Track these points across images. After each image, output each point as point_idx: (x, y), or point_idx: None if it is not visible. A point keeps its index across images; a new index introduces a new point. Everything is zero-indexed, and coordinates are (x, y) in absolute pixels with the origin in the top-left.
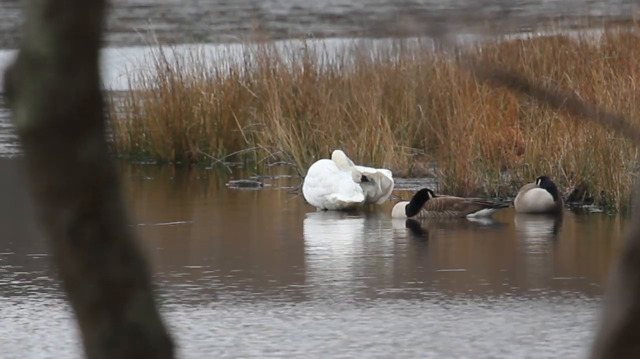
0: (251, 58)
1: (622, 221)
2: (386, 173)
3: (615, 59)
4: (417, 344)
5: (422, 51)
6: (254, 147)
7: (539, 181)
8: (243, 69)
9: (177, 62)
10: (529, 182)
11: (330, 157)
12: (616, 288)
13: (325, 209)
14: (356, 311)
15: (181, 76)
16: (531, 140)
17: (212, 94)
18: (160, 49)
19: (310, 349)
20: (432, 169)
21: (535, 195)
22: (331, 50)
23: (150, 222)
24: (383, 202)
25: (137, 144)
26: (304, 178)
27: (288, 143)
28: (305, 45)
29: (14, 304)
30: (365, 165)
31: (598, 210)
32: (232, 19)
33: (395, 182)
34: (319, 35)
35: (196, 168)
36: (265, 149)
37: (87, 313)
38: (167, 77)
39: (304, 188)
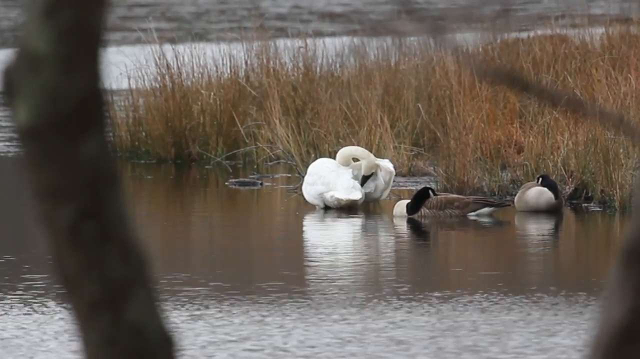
0: (251, 57)
1: (622, 220)
2: (386, 164)
3: (616, 57)
4: (418, 344)
5: (421, 50)
6: (254, 146)
7: (540, 179)
8: (243, 68)
9: (177, 61)
10: (528, 181)
11: (329, 156)
12: (616, 287)
13: (325, 208)
14: (358, 311)
15: (181, 75)
16: (531, 139)
17: (212, 93)
18: (160, 47)
19: (313, 351)
20: (432, 167)
21: (537, 194)
22: (331, 49)
23: (149, 221)
24: (384, 200)
25: (137, 143)
26: (303, 177)
27: (288, 142)
28: (305, 44)
29: (13, 304)
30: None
31: (598, 209)
32: (231, 18)
33: (395, 181)
34: (319, 34)
35: (196, 167)
36: (265, 148)
37: (87, 312)
38: (167, 76)
39: (303, 187)
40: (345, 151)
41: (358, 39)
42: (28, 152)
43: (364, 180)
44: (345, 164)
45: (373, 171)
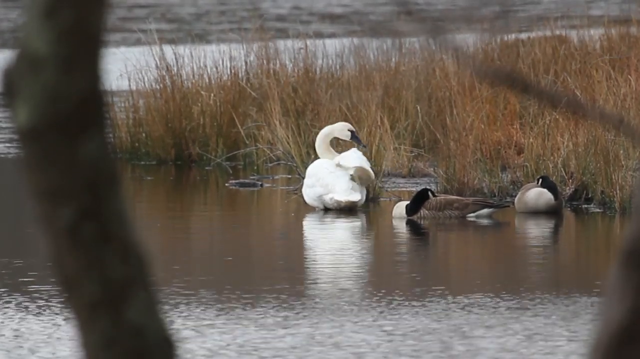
0: (251, 58)
1: (622, 221)
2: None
3: (616, 58)
4: (418, 346)
5: (421, 51)
6: (254, 147)
7: (540, 180)
8: (243, 69)
9: (177, 62)
10: (528, 182)
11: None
12: (616, 287)
13: (325, 210)
14: (358, 314)
15: (181, 76)
16: (531, 140)
17: (212, 94)
18: (161, 48)
19: (314, 354)
20: (432, 169)
21: (536, 195)
22: (331, 50)
23: (149, 222)
24: (383, 201)
25: (137, 144)
26: (303, 178)
27: (288, 143)
28: (305, 45)
29: (12, 305)
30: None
31: (598, 210)
32: (231, 19)
33: (395, 182)
34: (319, 35)
35: (196, 168)
36: (265, 149)
37: (86, 312)
38: (167, 77)
39: (303, 189)
40: (318, 140)
41: (358, 40)
42: (28, 153)
43: (354, 137)
44: (328, 150)
45: (346, 130)
